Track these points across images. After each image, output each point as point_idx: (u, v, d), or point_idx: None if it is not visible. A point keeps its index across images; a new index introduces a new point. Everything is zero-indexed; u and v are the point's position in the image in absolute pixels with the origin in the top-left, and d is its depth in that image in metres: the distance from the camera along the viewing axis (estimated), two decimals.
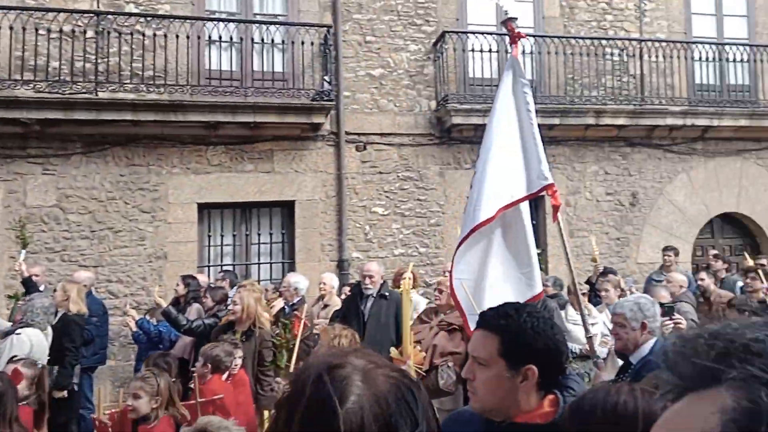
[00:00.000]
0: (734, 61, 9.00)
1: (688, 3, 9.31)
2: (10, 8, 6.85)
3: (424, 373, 3.72)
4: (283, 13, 8.15)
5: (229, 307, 4.35)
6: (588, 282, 7.08)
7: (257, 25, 7.69)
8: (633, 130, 8.81)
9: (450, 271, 3.66)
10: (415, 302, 6.73)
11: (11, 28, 6.83)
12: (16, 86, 6.87)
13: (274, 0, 8.21)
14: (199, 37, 7.43)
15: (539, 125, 8.32)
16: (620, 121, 8.56)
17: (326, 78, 7.59)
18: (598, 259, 7.60)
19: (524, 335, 1.44)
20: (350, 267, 7.96)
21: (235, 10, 8.10)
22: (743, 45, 9.08)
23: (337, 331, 3.37)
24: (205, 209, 7.96)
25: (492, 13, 8.57)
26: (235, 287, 5.30)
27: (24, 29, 6.80)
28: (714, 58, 8.96)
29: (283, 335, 4.16)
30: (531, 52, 8.32)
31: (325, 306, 6.20)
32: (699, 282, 7.02)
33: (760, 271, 6.16)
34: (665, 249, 8.07)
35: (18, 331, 4.61)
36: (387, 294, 5.37)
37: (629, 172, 9.03)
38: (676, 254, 8.00)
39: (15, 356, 3.96)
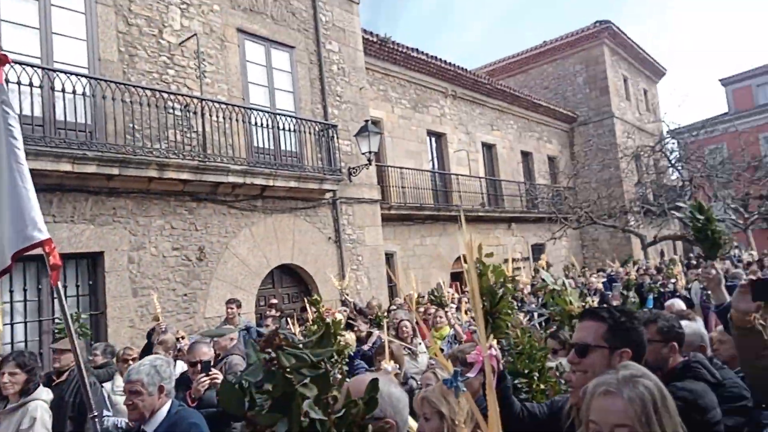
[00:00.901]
0: (284, 129, 10.24)
1: (246, 72, 10.18)
2: None
3: None
4: None
5: None
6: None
7: None
8: (198, 185, 8.89)
9: None
10: None
11: None
12: None
13: None
14: None
15: (97, 174, 7.66)
16: (185, 176, 8.51)
17: None
18: (160, 318, 7.25)
19: None
20: None
21: None
22: (291, 117, 10.43)
23: None
24: None
25: (25, 41, 7.44)
26: None
27: None
28: (268, 125, 9.99)
29: None
30: (84, 94, 7.52)
31: None
32: (265, 327, 7.80)
33: (294, 318, 7.04)
34: (228, 302, 8.33)
35: None
36: None
37: (196, 226, 9.06)
38: (239, 306, 8.36)
39: None
